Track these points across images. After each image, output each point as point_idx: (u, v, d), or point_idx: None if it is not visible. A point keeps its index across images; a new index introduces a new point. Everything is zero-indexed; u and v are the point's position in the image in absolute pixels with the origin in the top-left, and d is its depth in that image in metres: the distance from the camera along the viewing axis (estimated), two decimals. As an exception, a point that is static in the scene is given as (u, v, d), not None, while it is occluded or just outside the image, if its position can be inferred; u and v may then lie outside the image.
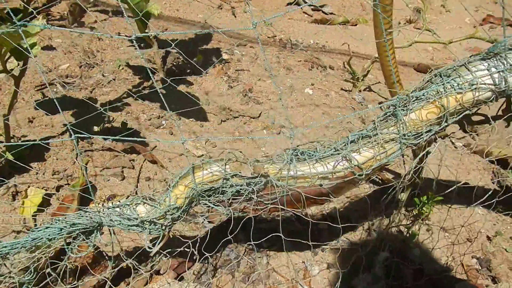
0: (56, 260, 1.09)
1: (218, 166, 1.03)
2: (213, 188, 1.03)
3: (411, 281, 1.21)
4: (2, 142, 1.44)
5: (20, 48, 1.25)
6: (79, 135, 0.99)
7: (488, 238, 1.45)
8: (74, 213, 1.09)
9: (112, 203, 1.10)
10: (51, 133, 1.65)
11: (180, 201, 1.04)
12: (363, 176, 0.93)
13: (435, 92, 0.91)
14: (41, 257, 1.07)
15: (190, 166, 1.03)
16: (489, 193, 1.13)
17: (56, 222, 1.09)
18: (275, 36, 2.70)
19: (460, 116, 0.92)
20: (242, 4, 3.04)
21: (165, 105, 0.90)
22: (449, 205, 1.50)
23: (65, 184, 1.44)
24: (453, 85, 0.90)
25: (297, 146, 1.04)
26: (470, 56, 0.93)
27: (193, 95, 1.89)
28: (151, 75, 0.82)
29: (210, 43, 2.43)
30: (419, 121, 0.92)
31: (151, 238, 1.25)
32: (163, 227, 1.05)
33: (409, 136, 0.92)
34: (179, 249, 1.11)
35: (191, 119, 1.79)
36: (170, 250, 1.11)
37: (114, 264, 1.09)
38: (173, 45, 1.99)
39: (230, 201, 1.04)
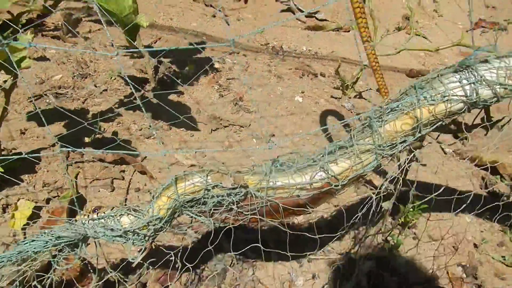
0: (43, 273, 1.11)
1: (200, 177, 1.04)
2: (195, 199, 1.05)
3: (396, 290, 1.22)
4: (-7, 154, 1.47)
5: (9, 62, 1.27)
6: (65, 148, 1.00)
7: (475, 245, 1.46)
8: (59, 226, 1.10)
9: (98, 214, 1.12)
10: (43, 145, 1.67)
11: (163, 212, 1.06)
12: (339, 186, 0.94)
13: (409, 103, 0.93)
14: (27, 270, 1.09)
15: (172, 177, 1.05)
16: (476, 199, 1.14)
17: (41, 235, 1.10)
18: (268, 44, 2.72)
19: (434, 126, 0.94)
20: (235, 11, 3.06)
21: (147, 115, 0.92)
22: (437, 213, 1.51)
23: (55, 197, 1.46)
24: (426, 97, 0.92)
25: (278, 156, 1.06)
26: (442, 69, 0.94)
27: (184, 104, 1.91)
28: (133, 88, 0.84)
29: (203, 52, 2.45)
30: (394, 132, 0.94)
31: (139, 250, 1.26)
32: (146, 238, 1.07)
33: (384, 147, 0.93)
34: (163, 260, 1.12)
35: (181, 129, 1.81)
36: (154, 260, 1.13)
37: (98, 278, 1.11)
38: (161, 56, 2.02)
39: (211, 212, 1.06)
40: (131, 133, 1.79)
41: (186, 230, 1.31)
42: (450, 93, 0.90)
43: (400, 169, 1.06)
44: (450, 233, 1.45)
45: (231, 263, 1.29)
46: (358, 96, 2.16)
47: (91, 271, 1.14)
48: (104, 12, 1.49)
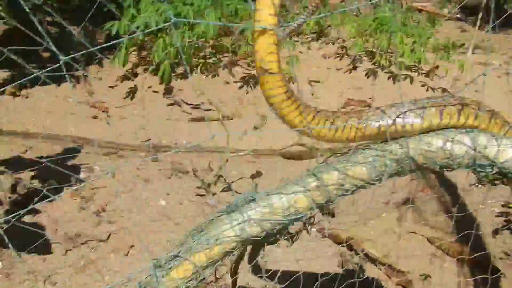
0: None
1: None
2: None
3: None
4: None
5: None
6: None
7: None
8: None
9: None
10: None
11: None
12: None
13: (186, 249, 0.98)
14: None
15: None
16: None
17: None
18: (149, 140, 2.79)
19: (214, 265, 1.00)
20: (121, 109, 3.12)
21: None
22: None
23: None
24: (202, 242, 0.98)
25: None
26: (217, 214, 1.02)
27: (39, 225, 1.85)
28: None
29: (78, 157, 2.44)
30: (178, 278, 0.98)
31: None
32: None
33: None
34: None
35: (32, 254, 1.74)
36: None
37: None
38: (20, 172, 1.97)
39: None
40: (-25, 265, 1.68)
41: None
42: (221, 236, 0.98)
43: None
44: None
45: None
46: (226, 189, 2.24)
47: None
48: None
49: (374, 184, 1.07)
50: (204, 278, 1.00)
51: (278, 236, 1.05)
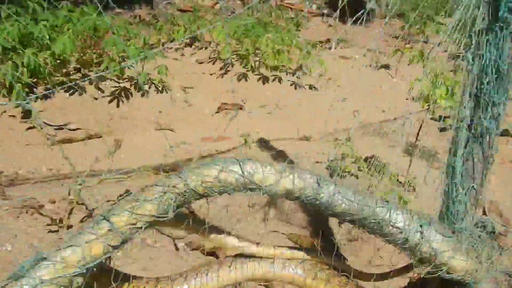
0: None
1: None
2: None
3: None
4: None
5: None
6: None
7: None
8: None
9: None
10: None
11: None
12: None
13: None
14: None
15: None
16: None
17: None
18: (2, 172, 2.57)
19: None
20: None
21: None
22: None
23: None
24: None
25: None
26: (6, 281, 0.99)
27: None
28: None
29: None
30: None
31: None
32: None
33: None
34: None
35: None
36: None
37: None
38: None
39: None
40: None
41: None
42: None
43: None
44: None
45: None
46: (86, 218, 2.17)
47: None
48: None
49: (165, 217, 1.11)
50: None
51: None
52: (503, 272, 1.67)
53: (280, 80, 3.70)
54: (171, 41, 4.04)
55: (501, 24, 1.01)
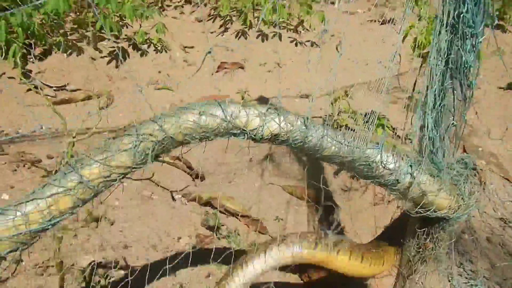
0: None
1: None
2: None
3: None
4: None
5: None
6: None
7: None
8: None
9: None
10: None
11: None
12: None
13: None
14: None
15: None
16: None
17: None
18: (2, 131, 2.61)
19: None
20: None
21: None
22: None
23: None
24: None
25: None
26: None
27: None
28: None
29: None
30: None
31: None
32: None
33: None
34: None
35: None
36: None
37: None
38: None
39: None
40: None
41: None
42: None
43: None
44: None
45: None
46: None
47: None
48: None
49: (141, 167, 1.06)
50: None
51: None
52: (498, 219, 1.66)
53: (280, 36, 3.61)
54: (170, -1, 3.95)
55: None
